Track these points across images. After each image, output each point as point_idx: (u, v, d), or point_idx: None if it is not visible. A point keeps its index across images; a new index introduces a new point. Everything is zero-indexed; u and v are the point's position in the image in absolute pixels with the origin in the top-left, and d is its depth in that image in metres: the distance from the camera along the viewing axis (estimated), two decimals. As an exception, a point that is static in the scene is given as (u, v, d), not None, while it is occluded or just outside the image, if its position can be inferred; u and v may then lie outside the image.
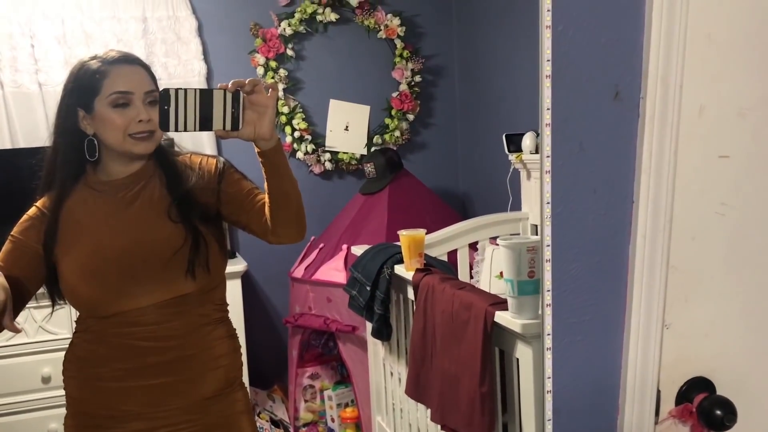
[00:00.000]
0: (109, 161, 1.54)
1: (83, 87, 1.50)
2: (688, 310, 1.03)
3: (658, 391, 1.05)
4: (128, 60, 1.52)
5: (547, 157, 0.86)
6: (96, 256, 1.49)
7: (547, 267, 0.88)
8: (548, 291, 0.89)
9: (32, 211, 1.57)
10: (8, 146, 3.22)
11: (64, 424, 1.60)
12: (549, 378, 0.89)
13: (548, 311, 0.89)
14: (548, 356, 0.89)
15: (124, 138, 1.49)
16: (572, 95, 0.93)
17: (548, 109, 0.83)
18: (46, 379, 2.94)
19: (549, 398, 0.88)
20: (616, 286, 1.00)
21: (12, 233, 1.55)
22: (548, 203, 0.86)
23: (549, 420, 0.89)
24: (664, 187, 0.97)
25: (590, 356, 0.99)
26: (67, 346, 1.62)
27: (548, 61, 0.83)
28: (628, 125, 0.97)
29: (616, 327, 1.02)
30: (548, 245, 0.88)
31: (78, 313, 1.59)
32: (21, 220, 1.57)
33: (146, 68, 1.55)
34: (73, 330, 1.62)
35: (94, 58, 1.52)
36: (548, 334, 0.88)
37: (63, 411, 1.63)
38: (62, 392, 1.63)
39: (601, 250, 0.98)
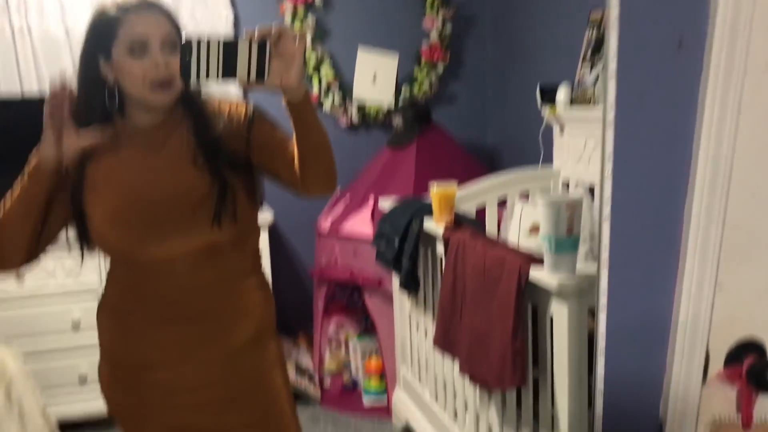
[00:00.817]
0: (133, 110, 1.51)
1: (101, 34, 1.46)
2: (742, 271, 1.00)
3: (707, 352, 1.03)
4: (146, 6, 1.47)
5: (611, 107, 0.81)
6: (123, 204, 1.48)
7: (606, 224, 0.85)
8: (605, 248, 0.86)
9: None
10: (36, 93, 3.21)
11: (99, 371, 1.62)
12: (603, 336, 0.87)
13: (604, 268, 0.87)
14: (602, 316, 0.87)
15: (143, 86, 1.45)
16: (635, 44, 0.88)
17: (614, 56, 0.79)
18: (75, 325, 2.99)
19: (601, 359, 0.86)
20: (670, 244, 0.97)
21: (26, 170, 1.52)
22: (610, 157, 0.82)
23: (600, 378, 0.88)
24: (725, 142, 0.93)
25: (641, 315, 0.97)
26: (98, 293, 1.62)
27: (615, 5, 0.78)
28: (691, 77, 0.93)
29: (668, 286, 0.99)
30: (608, 202, 0.85)
31: (109, 261, 1.59)
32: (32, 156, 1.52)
33: (166, 14, 1.49)
34: (105, 278, 1.62)
35: (113, 2, 1.48)
36: (603, 293, 0.85)
37: (93, 357, 1.64)
38: (92, 337, 1.63)
39: (658, 208, 0.95)
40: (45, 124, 1.44)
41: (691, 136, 0.96)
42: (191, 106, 1.56)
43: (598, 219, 0.87)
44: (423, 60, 3.66)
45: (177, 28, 1.49)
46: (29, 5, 3.16)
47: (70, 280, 2.96)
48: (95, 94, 1.49)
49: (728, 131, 0.94)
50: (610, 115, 0.85)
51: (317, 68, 3.55)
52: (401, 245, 2.55)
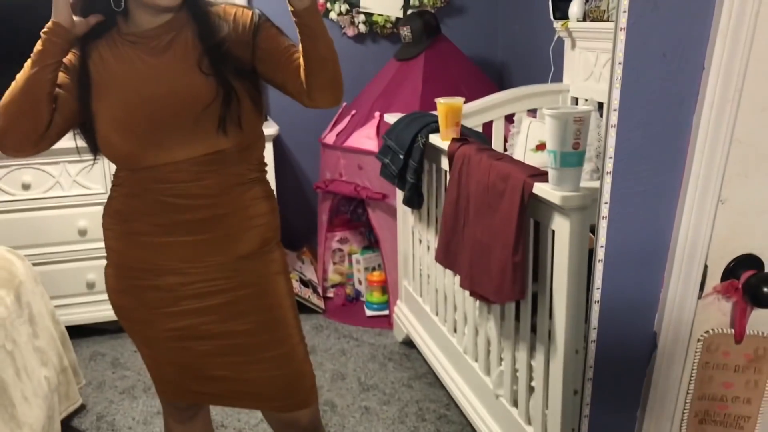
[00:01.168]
0: (137, 11, 1.47)
1: None
2: (746, 186, 0.99)
3: (705, 266, 1.03)
4: None
5: (624, 12, 0.79)
6: (126, 107, 1.46)
7: (612, 133, 0.83)
8: (610, 158, 0.85)
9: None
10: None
11: (105, 274, 1.64)
12: (602, 247, 0.87)
13: (608, 179, 0.86)
14: (603, 225, 0.86)
15: None
16: (652, -54, 0.84)
17: (628, -42, 0.75)
18: (82, 232, 3.02)
19: (600, 267, 0.86)
20: (675, 157, 0.96)
21: None
22: (620, 63, 0.80)
23: (598, 288, 0.88)
24: (739, 53, 0.90)
25: (642, 228, 0.97)
26: (102, 200, 1.62)
27: None
28: (708, -18, 0.89)
29: (670, 199, 0.98)
30: (615, 109, 0.83)
31: (115, 168, 1.59)
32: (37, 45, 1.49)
33: None
34: (111, 183, 1.62)
35: None
36: (605, 203, 0.85)
37: (100, 262, 1.66)
38: (98, 245, 1.65)
39: (665, 119, 0.93)
40: None
41: (705, 44, 0.93)
42: (196, 9, 1.52)
43: (605, 129, 0.86)
44: (433, -31, 3.54)
45: None
46: None
47: (76, 187, 2.97)
48: None
49: (743, 41, 0.91)
50: (623, 20, 0.83)
51: (324, -24, 3.45)
52: (406, 160, 2.53)
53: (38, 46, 1.43)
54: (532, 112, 2.87)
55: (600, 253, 0.89)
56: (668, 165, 0.97)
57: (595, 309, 0.96)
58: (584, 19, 2.69)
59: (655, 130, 0.93)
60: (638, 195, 0.94)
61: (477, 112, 2.82)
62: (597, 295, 0.89)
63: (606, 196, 0.87)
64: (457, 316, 2.47)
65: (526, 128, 2.74)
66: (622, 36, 0.82)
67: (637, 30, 0.86)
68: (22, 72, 1.45)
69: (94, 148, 1.55)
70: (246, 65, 1.52)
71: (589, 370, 1.08)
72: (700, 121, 0.95)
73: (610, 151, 0.86)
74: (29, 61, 1.44)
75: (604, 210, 0.87)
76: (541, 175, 1.75)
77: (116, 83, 1.48)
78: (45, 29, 1.43)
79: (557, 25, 2.81)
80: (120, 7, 1.45)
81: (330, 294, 3.52)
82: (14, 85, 1.45)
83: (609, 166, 0.86)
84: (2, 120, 1.45)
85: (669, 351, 1.10)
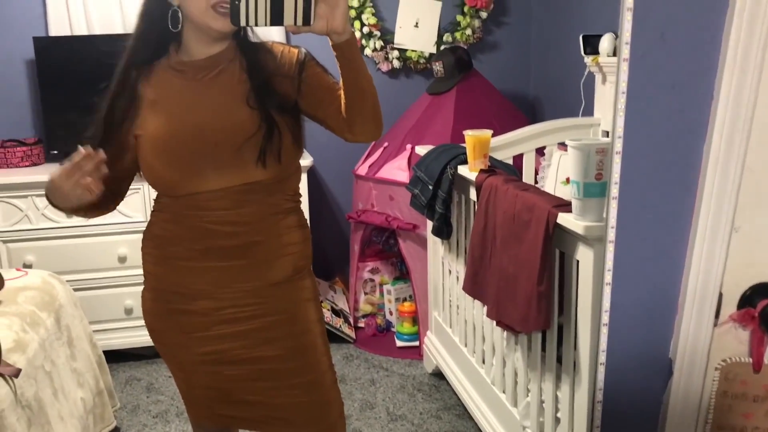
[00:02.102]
0: (191, 40, 1.54)
1: None
2: (759, 214, 1.00)
3: (720, 295, 1.04)
4: None
5: (626, 44, 0.82)
6: (170, 135, 1.52)
7: (617, 159, 0.86)
8: (615, 183, 0.87)
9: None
10: (84, 32, 3.29)
11: (142, 297, 1.70)
12: (609, 270, 0.89)
13: (614, 204, 0.88)
14: (610, 249, 0.89)
15: (207, 9, 1.46)
16: (657, -20, 0.88)
17: (631, -8, 0.79)
18: (122, 259, 3.11)
19: (608, 290, 0.88)
20: (686, 185, 0.98)
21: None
22: (623, 93, 0.83)
23: (606, 311, 0.90)
24: (748, 83, 0.92)
25: (653, 254, 0.98)
26: (142, 228, 1.68)
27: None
28: (716, 15, 0.92)
29: (682, 227, 1.00)
30: (620, 136, 0.86)
31: (156, 193, 1.65)
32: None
33: None
34: (151, 209, 1.68)
35: None
36: (612, 227, 0.87)
37: (138, 289, 1.72)
38: (137, 272, 1.71)
39: (674, 148, 0.95)
40: (60, 181, 1.41)
41: (714, 75, 0.95)
42: (245, 44, 1.59)
43: (611, 155, 0.88)
44: (466, 6, 3.61)
45: None
46: (78, -54, 3.21)
47: (116, 215, 3.06)
48: (158, 18, 1.52)
49: (752, 72, 0.93)
50: (625, 52, 0.86)
51: (359, 13, 3.54)
52: (435, 190, 2.57)
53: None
54: (563, 146, 2.89)
55: (607, 277, 0.91)
56: (679, 193, 0.99)
57: (604, 332, 0.97)
58: (614, 54, 2.72)
59: (665, 158, 0.96)
60: (648, 221, 0.96)
61: (508, 144, 2.85)
62: (605, 318, 0.91)
63: (612, 220, 0.89)
64: (486, 347, 2.47)
65: (557, 161, 2.76)
66: (625, 67, 0.85)
67: (645, 61, 0.89)
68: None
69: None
70: (290, 101, 1.57)
71: (599, 393, 1.09)
72: (710, 150, 0.97)
73: (616, 176, 0.88)
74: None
75: (611, 234, 0.90)
76: (566, 206, 1.77)
77: (161, 111, 1.54)
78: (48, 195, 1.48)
79: (588, 60, 2.84)
80: (177, 28, 1.52)
81: (361, 324, 3.54)
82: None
83: (615, 191, 0.89)
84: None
85: (685, 379, 1.10)
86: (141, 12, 1.57)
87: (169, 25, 1.51)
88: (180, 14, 1.50)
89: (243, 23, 1.32)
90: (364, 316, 3.56)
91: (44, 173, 3.06)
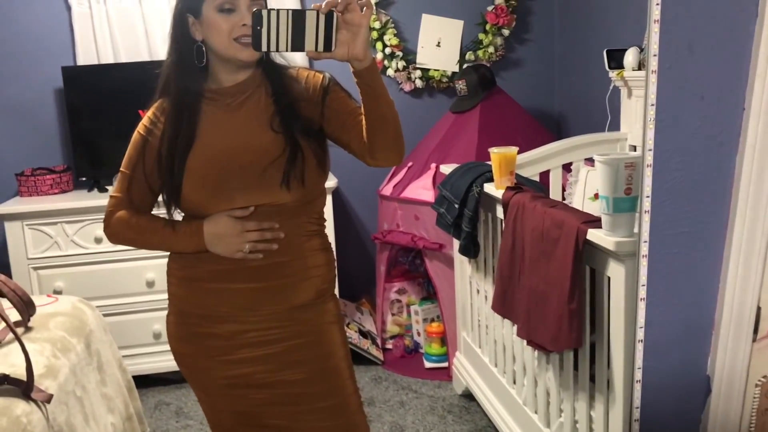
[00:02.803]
0: (218, 69, 1.57)
1: None
2: (797, 226, 0.98)
3: (758, 309, 1.01)
4: None
5: (654, 56, 0.81)
6: (198, 158, 1.55)
7: (648, 173, 0.84)
8: (647, 197, 0.86)
9: (135, 139, 1.63)
10: (111, 60, 3.34)
11: (167, 321, 1.71)
12: (643, 286, 0.87)
13: (646, 218, 0.86)
14: (643, 263, 0.87)
15: (229, 42, 1.50)
16: (684, -9, 0.86)
17: (657, 4, 0.78)
18: (150, 284, 3.13)
19: (642, 306, 0.86)
20: (719, 198, 0.96)
21: (122, 168, 1.63)
22: (652, 105, 0.81)
23: (641, 328, 0.88)
24: (780, 93, 0.90)
25: (687, 269, 0.96)
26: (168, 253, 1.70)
27: (660, -48, 0.77)
28: (744, 26, 0.90)
29: (716, 241, 0.97)
30: (650, 149, 0.84)
31: (183, 216, 1.66)
32: (127, 152, 1.63)
33: None
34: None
35: None
36: (645, 242, 0.85)
37: (166, 313, 1.73)
38: (165, 296, 1.72)
39: (706, 160, 0.93)
40: (235, 244, 1.54)
41: (744, 86, 0.93)
42: (271, 70, 1.61)
43: (642, 169, 0.87)
44: (488, 24, 3.62)
45: None
46: (105, -23, 3.28)
47: (144, 241, 3.09)
48: (186, 53, 1.55)
49: (784, 81, 0.92)
50: (653, 64, 0.84)
51: (381, 35, 3.56)
52: (461, 209, 2.56)
53: (175, 236, 1.59)
54: (590, 161, 2.86)
55: (642, 292, 0.89)
56: (712, 205, 0.97)
57: (639, 349, 0.94)
58: (639, 68, 2.70)
59: (697, 170, 0.94)
60: (682, 235, 0.94)
61: (534, 161, 2.83)
62: (640, 334, 0.89)
63: (645, 234, 0.88)
64: (516, 367, 2.44)
65: (584, 177, 2.73)
66: (653, 78, 0.84)
67: (673, 73, 0.88)
68: (141, 236, 1.63)
69: (174, 201, 1.63)
70: (314, 125, 1.59)
71: (636, 411, 1.06)
72: (743, 161, 0.95)
73: (647, 190, 0.87)
74: (155, 236, 1.61)
75: (644, 248, 0.88)
76: (596, 222, 1.75)
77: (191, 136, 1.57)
78: (195, 234, 1.56)
79: (613, 74, 2.82)
80: (202, 63, 1.55)
81: (389, 345, 3.52)
82: (133, 239, 1.65)
83: (647, 205, 0.87)
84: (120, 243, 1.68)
85: (725, 396, 1.07)
86: (169, 51, 1.60)
87: (195, 60, 1.54)
88: (204, 48, 1.54)
89: (264, 48, 1.34)
90: (391, 338, 3.53)
91: (73, 200, 3.12)
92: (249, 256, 1.55)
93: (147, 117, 1.63)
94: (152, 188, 1.63)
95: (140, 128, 1.63)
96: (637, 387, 1.04)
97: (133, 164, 1.61)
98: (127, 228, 1.62)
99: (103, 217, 1.66)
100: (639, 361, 0.98)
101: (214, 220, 1.54)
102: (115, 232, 1.64)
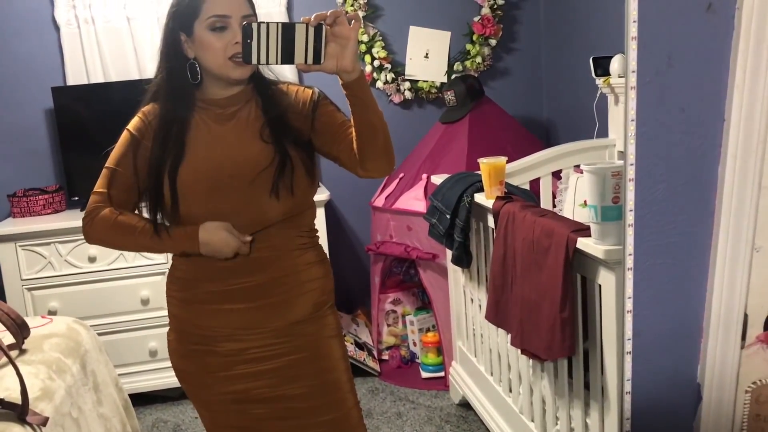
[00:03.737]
0: (209, 84, 1.59)
1: (183, 11, 1.54)
2: (780, 234, 0.99)
3: (746, 316, 1.02)
4: None
5: (633, 72, 0.82)
6: (187, 170, 1.55)
7: (630, 186, 0.86)
8: (630, 211, 0.87)
9: (124, 137, 1.62)
10: (101, 80, 3.35)
11: (167, 337, 1.71)
12: (630, 298, 0.88)
13: (630, 231, 0.88)
14: (629, 276, 0.88)
15: (223, 62, 1.52)
16: (661, 7, 0.88)
17: (634, 21, 0.79)
18: (144, 301, 3.13)
19: (629, 318, 0.87)
20: (702, 208, 0.97)
21: (108, 164, 1.61)
22: (633, 120, 0.83)
23: (629, 339, 0.89)
24: (758, 104, 0.92)
25: (674, 279, 0.97)
26: (163, 270, 1.71)
27: (635, -30, 0.79)
28: (722, 39, 0.92)
29: (701, 250, 0.99)
30: (632, 164, 0.86)
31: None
32: (115, 149, 1.62)
33: None
34: (171, 257, 1.70)
35: None
36: (630, 254, 0.86)
37: (161, 331, 1.74)
38: (160, 313, 1.73)
39: (688, 171, 0.95)
40: (227, 243, 1.55)
41: (723, 98, 0.95)
42: (261, 85, 1.63)
43: (624, 182, 0.88)
44: (475, 35, 3.64)
45: (253, 6, 1.56)
46: (93, -3, 3.30)
47: (139, 258, 3.09)
48: (177, 70, 1.57)
49: (762, 92, 0.93)
50: (633, 80, 0.86)
51: (369, 47, 3.58)
52: (453, 219, 2.57)
53: (170, 241, 1.58)
54: (579, 168, 2.88)
55: (628, 304, 0.90)
56: (696, 216, 0.98)
57: (628, 360, 0.96)
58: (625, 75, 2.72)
59: (679, 182, 0.95)
60: (667, 246, 0.96)
61: (524, 169, 2.84)
62: (628, 346, 0.90)
63: (630, 248, 0.89)
64: (512, 376, 2.45)
65: (574, 184, 2.75)
66: (633, 94, 0.85)
67: (653, 87, 0.89)
68: (126, 237, 1.60)
69: (163, 213, 1.63)
70: (304, 137, 1.61)
71: (626, 423, 1.07)
72: (725, 172, 0.96)
73: (630, 204, 0.88)
74: (144, 239, 1.59)
75: (629, 261, 0.89)
76: (585, 230, 1.76)
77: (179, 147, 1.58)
78: (190, 239, 1.56)
79: (599, 81, 2.85)
80: (196, 80, 1.57)
81: (385, 356, 3.52)
82: (116, 239, 1.63)
83: (630, 218, 0.88)
84: (97, 243, 1.66)
85: (715, 403, 1.08)
86: (159, 67, 1.60)
87: (188, 77, 1.55)
88: (197, 66, 1.55)
89: (255, 61, 1.36)
90: (387, 348, 3.54)
91: (66, 220, 3.12)
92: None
93: (137, 117, 1.62)
94: (138, 188, 1.61)
95: (130, 127, 1.62)
96: (627, 398, 1.05)
97: (121, 161, 1.60)
98: (112, 226, 1.58)
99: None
100: (628, 373, 0.99)
101: (210, 231, 1.54)
102: (97, 231, 1.60)
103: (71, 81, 3.35)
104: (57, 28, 3.35)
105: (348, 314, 3.74)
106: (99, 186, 1.62)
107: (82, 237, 1.63)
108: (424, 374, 3.32)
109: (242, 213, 1.55)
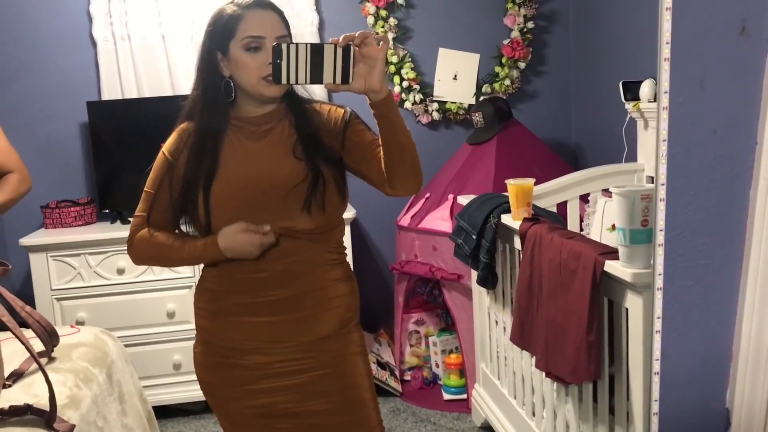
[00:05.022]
0: (244, 102, 1.63)
1: (220, 31, 1.58)
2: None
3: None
4: (262, 5, 1.58)
5: (665, 93, 0.83)
6: (221, 185, 1.59)
7: (661, 206, 0.86)
8: (661, 231, 0.87)
9: (160, 159, 1.66)
10: (135, 96, 3.42)
11: (194, 349, 1.73)
12: (658, 318, 0.88)
13: (660, 251, 0.87)
14: (658, 296, 0.88)
15: (257, 81, 1.55)
16: (694, 29, 0.89)
17: (667, 43, 0.80)
18: (170, 314, 3.16)
19: (657, 339, 0.87)
20: (734, 231, 0.97)
21: (146, 188, 1.66)
22: (664, 141, 0.83)
23: (657, 360, 0.88)
24: (792, 127, 0.91)
25: (703, 301, 0.97)
26: (190, 284, 1.73)
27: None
28: (755, 62, 0.92)
29: (732, 273, 0.98)
30: (663, 184, 0.86)
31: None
32: (152, 172, 1.66)
33: (279, 13, 1.60)
34: (199, 271, 1.72)
35: (231, 2, 1.59)
36: (659, 274, 0.86)
37: (186, 344, 1.75)
38: (185, 326, 1.75)
39: (720, 194, 0.95)
40: (250, 242, 1.57)
41: (755, 121, 0.95)
42: (295, 103, 1.66)
43: (655, 202, 0.88)
44: (504, 57, 3.66)
45: (287, 27, 1.60)
46: (130, 15, 3.37)
47: (166, 272, 3.13)
48: (212, 87, 1.61)
49: (795, 116, 0.93)
50: (665, 101, 0.86)
51: (399, 68, 3.61)
52: (479, 240, 2.57)
53: (198, 252, 1.62)
54: (608, 192, 2.87)
55: (657, 324, 0.90)
56: (727, 238, 0.98)
57: (656, 381, 0.95)
58: (655, 100, 2.71)
59: (710, 204, 0.95)
60: (697, 268, 0.95)
61: (551, 192, 2.84)
62: (657, 366, 0.89)
63: (659, 267, 0.89)
64: (536, 399, 2.42)
65: (602, 208, 2.74)
66: (665, 115, 0.85)
67: (685, 108, 0.90)
68: (161, 254, 1.65)
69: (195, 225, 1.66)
70: (335, 155, 1.64)
71: (653, 445, 1.06)
72: (756, 194, 0.96)
73: (661, 224, 0.88)
74: (178, 253, 1.63)
75: (659, 281, 0.89)
76: (613, 253, 1.75)
77: (214, 164, 1.61)
78: (211, 248, 1.59)
79: (629, 106, 2.84)
80: (230, 98, 1.61)
81: (407, 377, 3.51)
82: (154, 257, 1.68)
83: (660, 238, 0.88)
84: (141, 263, 1.74)
85: (745, 429, 1.06)
86: (195, 85, 1.65)
87: (223, 95, 1.59)
88: (232, 84, 1.58)
89: (284, 81, 1.39)
90: (410, 369, 3.52)
91: (96, 232, 3.17)
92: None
93: (172, 139, 1.66)
94: (175, 209, 1.66)
95: (165, 149, 1.66)
96: (654, 420, 1.04)
97: (158, 184, 1.65)
98: (148, 245, 1.64)
99: (126, 246, 1.70)
100: (656, 394, 0.98)
101: (228, 237, 1.56)
102: (138, 251, 1.67)
103: (106, 96, 3.42)
104: (94, 44, 3.43)
105: (371, 333, 3.74)
106: (139, 209, 1.68)
107: (112, 249, 1.68)
108: (446, 396, 3.30)
109: (274, 227, 1.57)
